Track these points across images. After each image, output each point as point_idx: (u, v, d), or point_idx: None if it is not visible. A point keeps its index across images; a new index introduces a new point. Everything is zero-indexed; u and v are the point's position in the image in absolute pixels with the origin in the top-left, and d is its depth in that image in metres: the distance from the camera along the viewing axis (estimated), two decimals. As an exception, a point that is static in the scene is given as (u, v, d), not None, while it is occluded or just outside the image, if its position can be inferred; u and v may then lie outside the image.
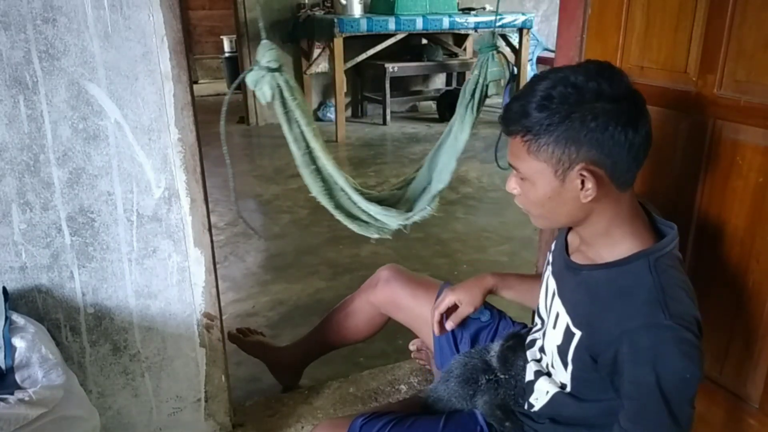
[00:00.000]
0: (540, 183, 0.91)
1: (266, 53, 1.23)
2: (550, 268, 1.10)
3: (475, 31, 5.08)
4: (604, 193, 0.90)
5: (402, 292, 1.45)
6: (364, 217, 1.50)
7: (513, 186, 0.97)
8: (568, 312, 0.99)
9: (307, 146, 1.36)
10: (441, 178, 1.50)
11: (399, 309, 1.47)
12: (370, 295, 1.51)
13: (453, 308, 1.30)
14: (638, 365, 0.87)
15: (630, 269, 0.92)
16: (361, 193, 1.47)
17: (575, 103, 0.85)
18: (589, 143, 0.86)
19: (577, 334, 0.96)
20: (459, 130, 1.47)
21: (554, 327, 1.03)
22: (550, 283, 1.08)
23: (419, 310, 1.42)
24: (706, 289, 1.26)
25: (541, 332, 1.12)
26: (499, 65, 1.44)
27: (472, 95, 1.47)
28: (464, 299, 1.25)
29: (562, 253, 1.05)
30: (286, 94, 1.27)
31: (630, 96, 0.88)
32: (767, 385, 1.17)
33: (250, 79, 1.25)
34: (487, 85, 1.47)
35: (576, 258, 1.02)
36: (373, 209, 1.47)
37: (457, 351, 1.33)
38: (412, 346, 1.60)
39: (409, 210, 1.52)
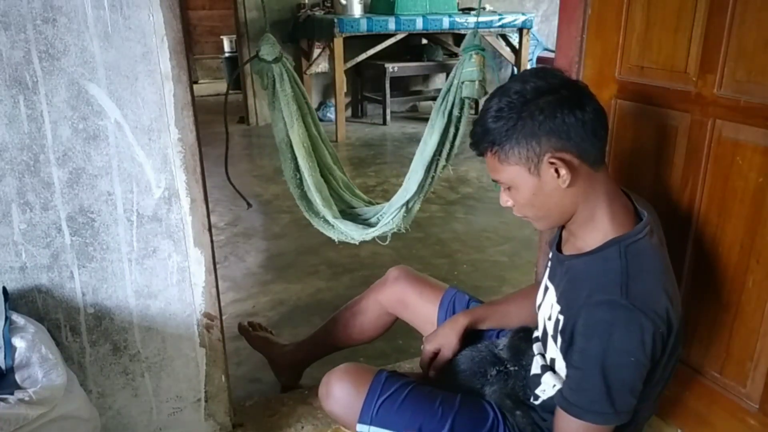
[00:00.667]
0: (521, 185, 0.98)
1: (264, 47, 1.31)
2: (549, 264, 1.15)
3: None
4: (581, 175, 0.97)
5: (410, 290, 1.48)
6: (328, 216, 1.49)
7: (505, 199, 1.04)
8: (557, 301, 1.04)
9: (287, 136, 1.39)
10: (407, 187, 1.47)
11: (406, 307, 1.49)
12: (378, 294, 1.53)
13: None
14: (588, 337, 0.93)
15: (603, 255, 0.98)
16: (325, 199, 1.45)
17: (521, 104, 0.95)
18: (546, 133, 0.94)
19: (561, 319, 1.01)
20: (428, 136, 1.43)
21: (549, 318, 1.07)
22: (546, 277, 1.13)
23: (425, 309, 1.45)
24: (706, 288, 1.26)
25: (542, 326, 1.14)
26: (476, 65, 1.41)
27: (444, 98, 1.44)
28: (443, 345, 1.29)
29: (554, 249, 1.12)
30: (278, 85, 1.34)
31: (566, 85, 0.97)
32: (767, 385, 1.17)
33: (252, 66, 1.35)
34: (461, 86, 1.43)
35: (566, 249, 1.09)
36: (330, 218, 1.46)
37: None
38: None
39: (372, 226, 1.50)
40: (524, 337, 1.21)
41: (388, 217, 1.48)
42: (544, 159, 0.94)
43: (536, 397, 1.11)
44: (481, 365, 1.23)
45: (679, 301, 1.04)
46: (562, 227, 1.12)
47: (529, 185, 0.98)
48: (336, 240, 1.51)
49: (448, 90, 1.43)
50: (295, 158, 1.43)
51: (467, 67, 1.41)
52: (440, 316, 1.42)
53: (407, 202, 1.46)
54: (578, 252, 1.03)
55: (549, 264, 1.14)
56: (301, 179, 1.46)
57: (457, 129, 1.48)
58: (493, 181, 1.03)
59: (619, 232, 0.98)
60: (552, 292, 1.07)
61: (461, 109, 1.46)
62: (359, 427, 1.14)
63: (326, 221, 1.50)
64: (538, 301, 1.16)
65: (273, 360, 1.70)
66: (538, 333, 1.19)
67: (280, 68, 1.33)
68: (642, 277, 0.94)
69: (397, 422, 1.12)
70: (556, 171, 0.95)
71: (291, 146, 1.41)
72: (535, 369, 1.12)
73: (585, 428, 0.93)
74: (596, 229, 1.00)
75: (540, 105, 0.94)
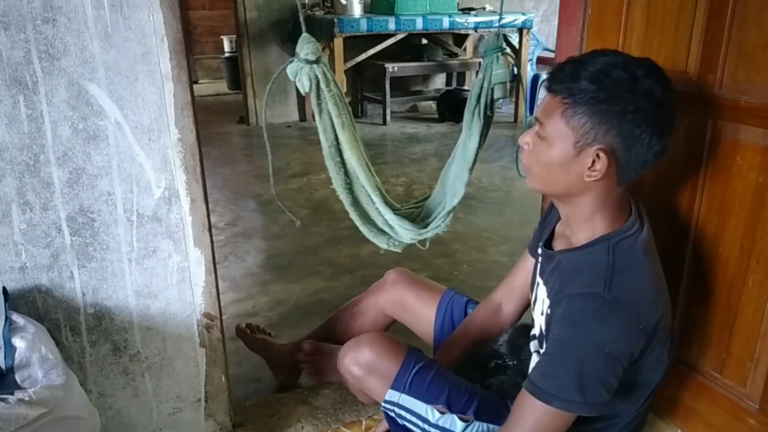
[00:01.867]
0: (557, 147, 0.95)
1: (305, 46, 1.26)
2: (540, 260, 1.16)
3: (475, 31, 5.08)
4: (605, 184, 0.96)
5: (408, 293, 1.49)
6: (379, 222, 1.45)
7: (527, 141, 1.00)
8: (548, 295, 1.05)
9: (335, 138, 1.36)
10: (455, 192, 1.45)
11: (404, 310, 1.50)
12: (377, 297, 1.54)
13: None
14: (565, 325, 0.93)
15: (591, 251, 0.99)
16: (383, 197, 1.44)
17: (627, 90, 0.90)
18: (618, 130, 0.91)
19: (549, 313, 1.02)
20: (467, 138, 1.43)
21: (542, 313, 1.08)
22: (537, 275, 1.14)
23: (423, 312, 1.46)
24: (706, 288, 1.26)
25: (537, 323, 1.15)
26: (504, 67, 1.40)
27: (478, 100, 1.43)
28: None
29: (542, 245, 1.14)
30: (322, 85, 1.29)
31: (670, 108, 0.93)
32: (767, 385, 1.17)
33: (290, 70, 1.28)
34: (492, 89, 1.42)
35: (557, 245, 1.10)
36: (390, 216, 1.44)
37: None
38: (306, 346, 1.57)
39: (425, 227, 1.49)
40: (524, 333, 1.22)
41: (440, 220, 1.47)
42: (595, 146, 0.92)
43: None
44: (480, 359, 1.24)
45: (668, 300, 1.04)
46: (556, 223, 1.14)
47: (563, 152, 0.95)
48: (384, 248, 1.48)
49: (480, 92, 1.42)
50: (343, 163, 1.39)
51: (497, 69, 1.40)
52: (438, 319, 1.42)
53: (455, 206, 1.46)
54: (569, 247, 1.04)
55: (539, 260, 1.15)
56: (351, 184, 1.41)
57: (488, 129, 1.47)
58: (536, 119, 0.99)
59: (610, 229, 1.00)
60: (543, 289, 1.08)
61: (492, 110, 1.46)
62: (391, 393, 1.15)
63: (378, 227, 1.46)
64: (531, 299, 1.18)
65: (271, 360, 1.70)
66: (535, 331, 1.20)
67: (322, 68, 1.28)
68: (628, 273, 0.95)
69: (427, 395, 1.13)
70: (593, 163, 0.93)
71: (340, 149, 1.37)
72: (532, 366, 1.13)
73: (550, 414, 0.93)
74: (591, 228, 1.01)
75: (638, 105, 0.90)
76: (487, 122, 1.47)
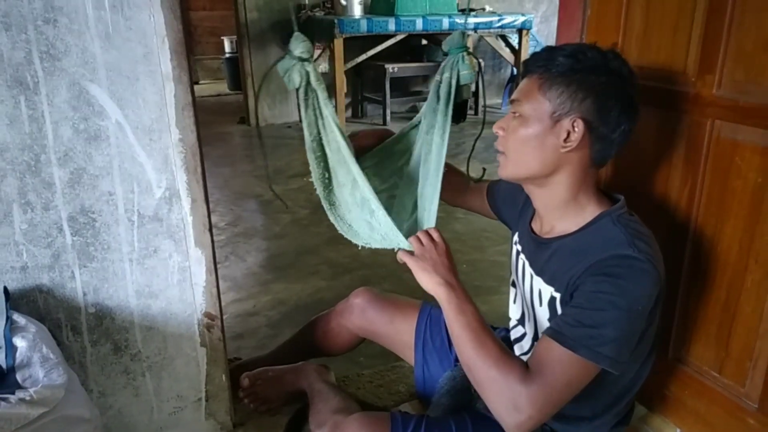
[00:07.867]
0: (534, 121, 0.98)
1: (299, 45, 1.27)
2: (521, 256, 1.15)
3: (475, 31, 5.08)
4: (579, 158, 0.99)
5: (379, 320, 1.42)
6: (351, 218, 1.40)
7: (501, 126, 1.04)
8: (548, 282, 1.05)
9: (318, 133, 1.34)
10: (431, 212, 1.34)
11: (378, 336, 1.45)
12: (346, 321, 1.47)
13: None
14: (601, 282, 0.92)
15: (597, 227, 1.00)
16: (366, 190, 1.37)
17: (600, 65, 0.97)
18: (593, 98, 0.95)
19: (557, 296, 1.02)
20: (441, 145, 1.28)
21: (540, 304, 1.07)
22: (525, 268, 1.13)
23: (400, 337, 1.40)
24: (705, 288, 1.27)
25: (527, 320, 1.14)
26: (470, 68, 1.33)
27: (447, 98, 1.32)
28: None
29: (530, 236, 1.13)
30: (313, 82, 1.29)
31: (636, 89, 1.00)
32: (766, 384, 1.17)
33: (281, 66, 1.29)
34: (458, 89, 1.33)
35: (545, 235, 1.09)
36: (376, 207, 1.37)
37: (442, 369, 1.32)
38: (244, 382, 1.49)
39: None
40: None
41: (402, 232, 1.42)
42: (571, 116, 0.96)
43: None
44: (462, 382, 1.22)
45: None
46: (532, 216, 1.14)
47: (540, 126, 0.98)
48: (360, 244, 1.42)
49: (449, 90, 1.35)
50: (325, 157, 1.36)
51: (463, 70, 1.35)
52: (418, 343, 1.37)
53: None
54: (561, 234, 1.04)
55: (523, 255, 1.14)
56: (330, 178, 1.39)
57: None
58: (510, 101, 1.04)
59: (602, 209, 1.02)
60: (539, 280, 1.07)
61: (450, 111, 1.39)
62: None
63: (348, 224, 1.41)
64: (518, 295, 1.16)
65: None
66: (516, 332, 1.20)
67: (313, 66, 1.29)
68: (642, 237, 0.96)
69: None
70: (569, 134, 0.96)
71: (322, 144, 1.36)
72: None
73: (575, 362, 0.89)
74: (583, 212, 1.03)
75: (610, 79, 0.96)
76: (449, 123, 1.33)
